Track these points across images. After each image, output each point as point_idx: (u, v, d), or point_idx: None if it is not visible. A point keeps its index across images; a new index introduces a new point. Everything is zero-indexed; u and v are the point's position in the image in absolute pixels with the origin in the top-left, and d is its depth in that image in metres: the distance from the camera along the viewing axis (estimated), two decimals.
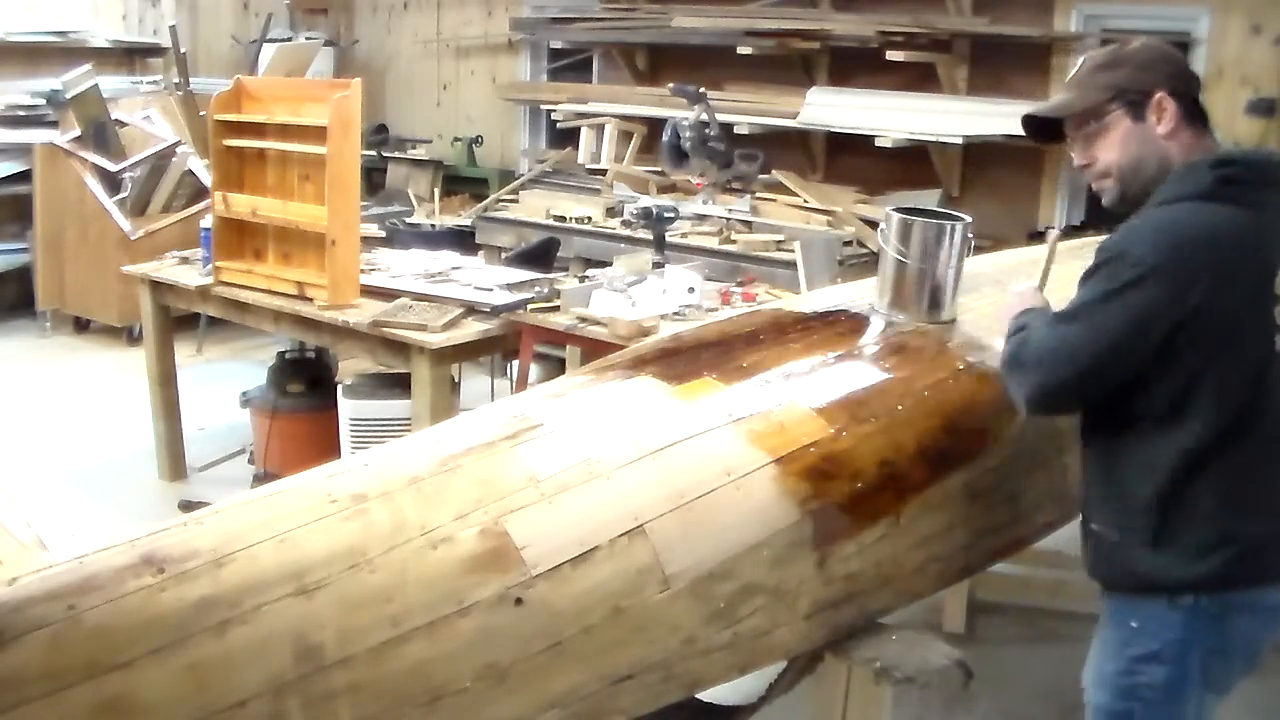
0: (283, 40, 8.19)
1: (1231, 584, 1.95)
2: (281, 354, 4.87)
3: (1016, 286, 2.31)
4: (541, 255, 5.32)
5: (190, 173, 6.88)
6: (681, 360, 2.42)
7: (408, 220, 6.60)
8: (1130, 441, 1.99)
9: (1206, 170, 1.93)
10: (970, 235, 2.65)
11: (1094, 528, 2.07)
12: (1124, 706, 2.02)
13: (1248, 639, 2.01)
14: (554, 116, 7.25)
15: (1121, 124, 2.01)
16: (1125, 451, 2.00)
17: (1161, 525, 1.95)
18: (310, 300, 4.20)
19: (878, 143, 5.70)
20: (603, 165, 6.58)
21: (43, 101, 7.24)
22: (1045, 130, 2.16)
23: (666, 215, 4.60)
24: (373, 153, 7.52)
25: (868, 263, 4.64)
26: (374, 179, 7.59)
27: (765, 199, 5.76)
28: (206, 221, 4.55)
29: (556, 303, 3.94)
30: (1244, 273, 1.90)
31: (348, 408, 4.38)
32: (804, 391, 2.27)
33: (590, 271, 4.70)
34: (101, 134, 6.94)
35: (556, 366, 5.24)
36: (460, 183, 7.62)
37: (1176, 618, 1.95)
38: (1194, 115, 2.02)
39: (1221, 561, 1.93)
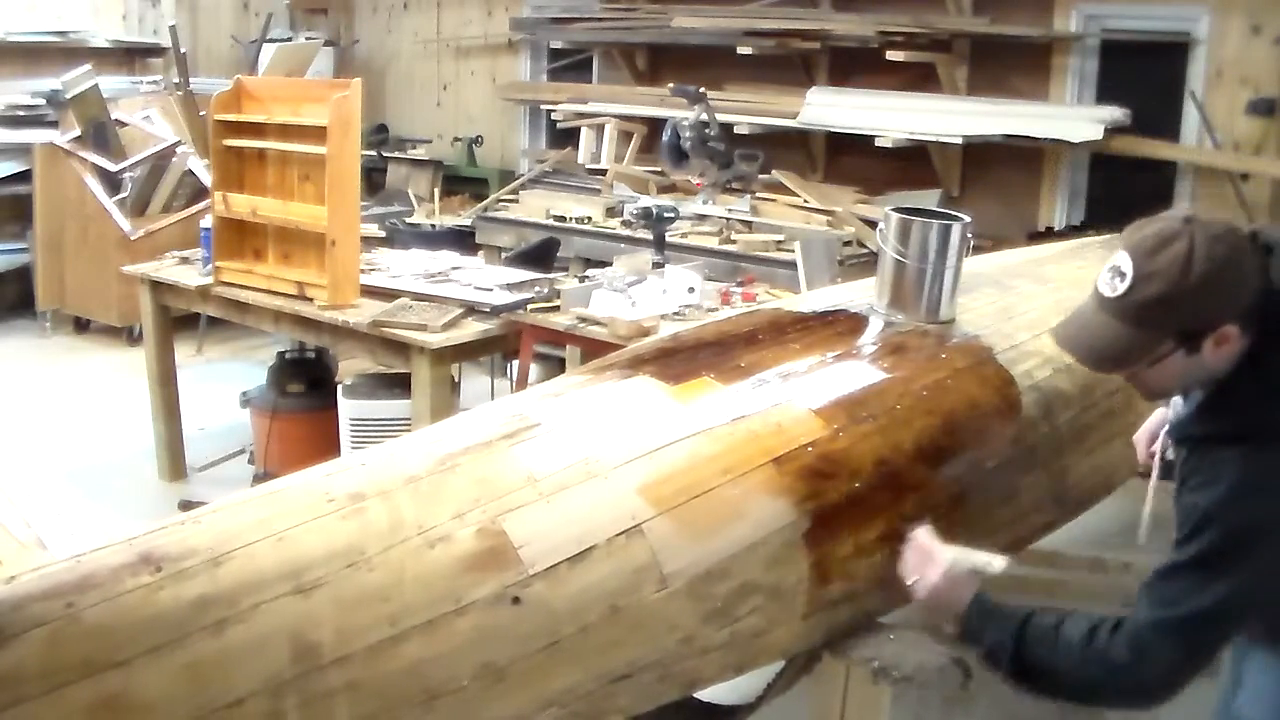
0: (283, 40, 8.19)
1: None
2: (281, 354, 4.87)
3: (945, 559, 2.04)
4: (541, 255, 5.32)
5: (190, 173, 6.88)
6: (680, 360, 2.42)
7: (408, 220, 6.59)
8: None
9: None
10: (970, 235, 2.65)
11: None
12: None
13: None
14: (554, 116, 7.25)
15: (1174, 358, 1.80)
16: None
17: None
18: (310, 300, 4.20)
19: (878, 143, 5.70)
20: (603, 165, 6.58)
21: (43, 101, 7.24)
22: None
23: (666, 215, 4.59)
24: (373, 153, 7.51)
25: (868, 263, 4.63)
26: (374, 179, 7.58)
27: (765, 199, 5.76)
28: (206, 221, 4.55)
29: (556, 303, 3.94)
30: None
31: (348, 408, 4.38)
32: (802, 391, 2.27)
33: (590, 271, 4.70)
34: (101, 134, 6.94)
35: (556, 366, 5.23)
36: (460, 183, 7.62)
37: None
38: (1255, 318, 1.78)
39: None
